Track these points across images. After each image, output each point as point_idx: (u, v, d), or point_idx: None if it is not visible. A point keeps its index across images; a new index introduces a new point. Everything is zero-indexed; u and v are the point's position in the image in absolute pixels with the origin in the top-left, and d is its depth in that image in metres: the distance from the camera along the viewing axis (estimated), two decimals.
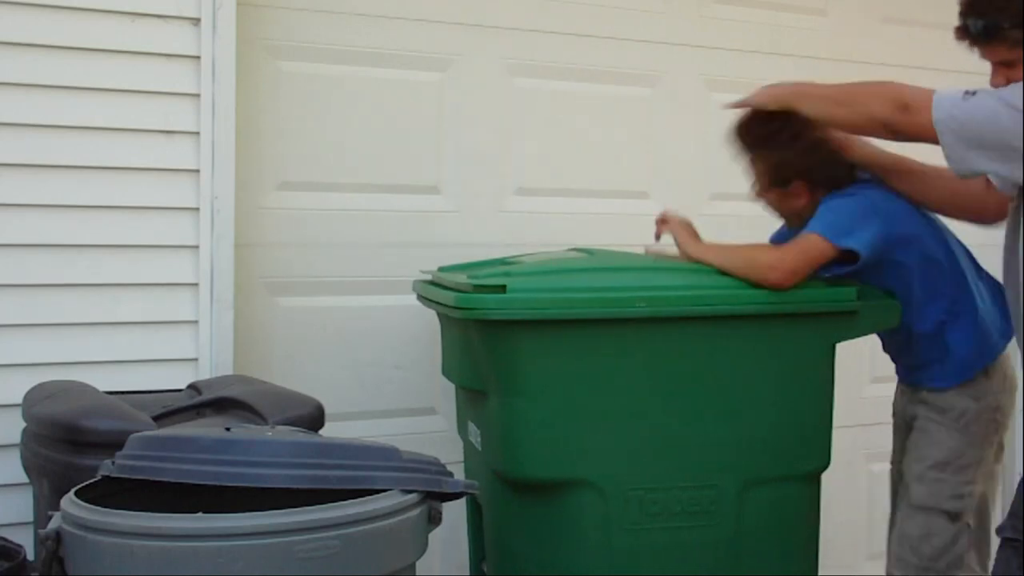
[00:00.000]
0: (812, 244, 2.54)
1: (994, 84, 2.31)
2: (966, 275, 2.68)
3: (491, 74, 3.37)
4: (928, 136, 2.26)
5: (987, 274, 2.73)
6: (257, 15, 3.04)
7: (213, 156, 2.85)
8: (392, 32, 3.23)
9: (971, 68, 4.28)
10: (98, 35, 2.75)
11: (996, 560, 2.25)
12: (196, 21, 2.83)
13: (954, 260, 2.67)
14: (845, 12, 3.91)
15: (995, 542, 2.28)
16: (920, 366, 2.71)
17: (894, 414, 2.85)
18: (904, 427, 2.79)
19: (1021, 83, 2.19)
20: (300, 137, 3.13)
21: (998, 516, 2.57)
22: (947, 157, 2.24)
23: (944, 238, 2.70)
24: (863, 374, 3.81)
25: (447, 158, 3.32)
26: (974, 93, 2.21)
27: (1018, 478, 4.15)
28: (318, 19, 3.13)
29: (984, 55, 2.33)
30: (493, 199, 3.38)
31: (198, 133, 2.84)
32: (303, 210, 3.13)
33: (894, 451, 2.83)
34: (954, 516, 2.60)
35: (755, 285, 2.52)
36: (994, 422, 2.66)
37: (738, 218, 3.64)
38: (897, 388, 2.86)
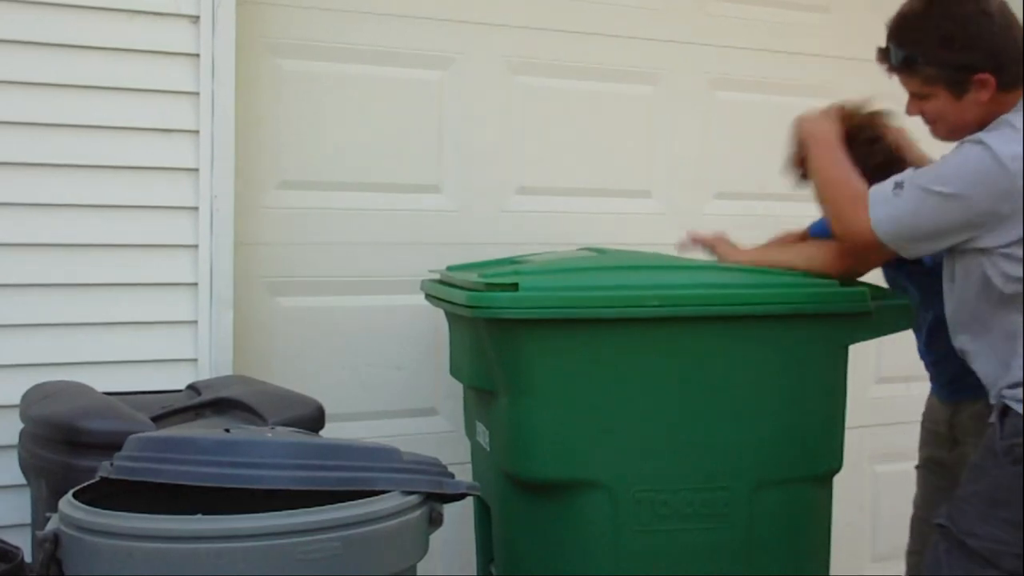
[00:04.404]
0: None
1: (909, 113, 2.40)
2: None
3: (493, 72, 3.36)
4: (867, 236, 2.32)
5: None
6: (257, 13, 3.02)
7: (212, 155, 2.84)
8: (393, 30, 3.21)
9: None
10: (96, 33, 2.73)
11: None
12: (195, 19, 2.82)
13: None
14: (847, 9, 3.89)
15: None
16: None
17: (934, 421, 2.77)
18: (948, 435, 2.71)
19: (943, 160, 2.25)
20: (300, 136, 3.11)
21: None
22: (899, 251, 2.30)
23: None
24: (868, 375, 3.80)
25: (448, 157, 3.30)
26: (901, 185, 2.25)
27: None
28: (318, 17, 3.12)
29: (902, 83, 2.38)
30: (495, 198, 3.36)
31: (197, 132, 2.83)
32: (303, 209, 3.11)
33: (933, 460, 2.75)
34: None
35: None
36: None
37: (740, 217, 3.63)
38: (937, 400, 2.78)
